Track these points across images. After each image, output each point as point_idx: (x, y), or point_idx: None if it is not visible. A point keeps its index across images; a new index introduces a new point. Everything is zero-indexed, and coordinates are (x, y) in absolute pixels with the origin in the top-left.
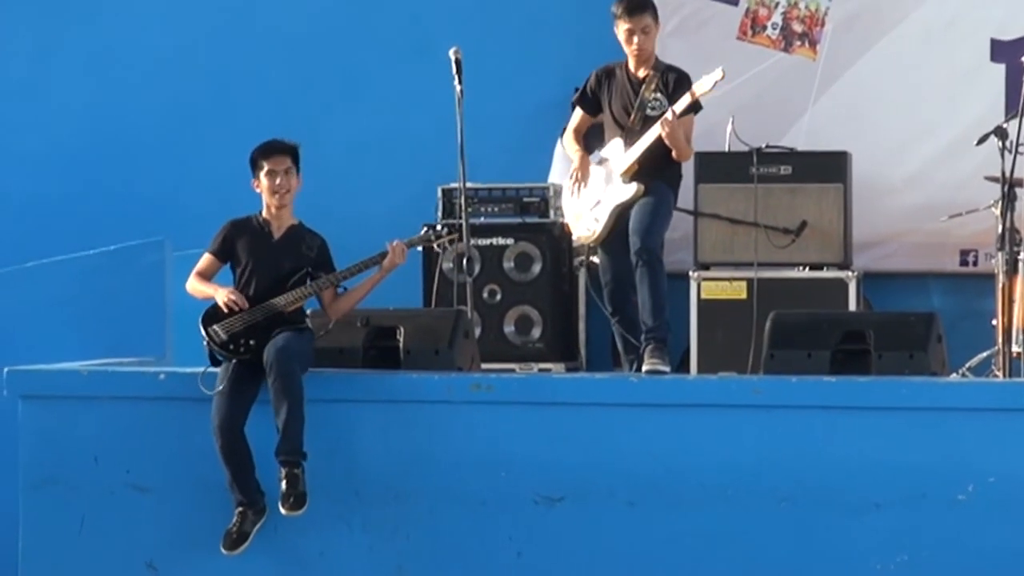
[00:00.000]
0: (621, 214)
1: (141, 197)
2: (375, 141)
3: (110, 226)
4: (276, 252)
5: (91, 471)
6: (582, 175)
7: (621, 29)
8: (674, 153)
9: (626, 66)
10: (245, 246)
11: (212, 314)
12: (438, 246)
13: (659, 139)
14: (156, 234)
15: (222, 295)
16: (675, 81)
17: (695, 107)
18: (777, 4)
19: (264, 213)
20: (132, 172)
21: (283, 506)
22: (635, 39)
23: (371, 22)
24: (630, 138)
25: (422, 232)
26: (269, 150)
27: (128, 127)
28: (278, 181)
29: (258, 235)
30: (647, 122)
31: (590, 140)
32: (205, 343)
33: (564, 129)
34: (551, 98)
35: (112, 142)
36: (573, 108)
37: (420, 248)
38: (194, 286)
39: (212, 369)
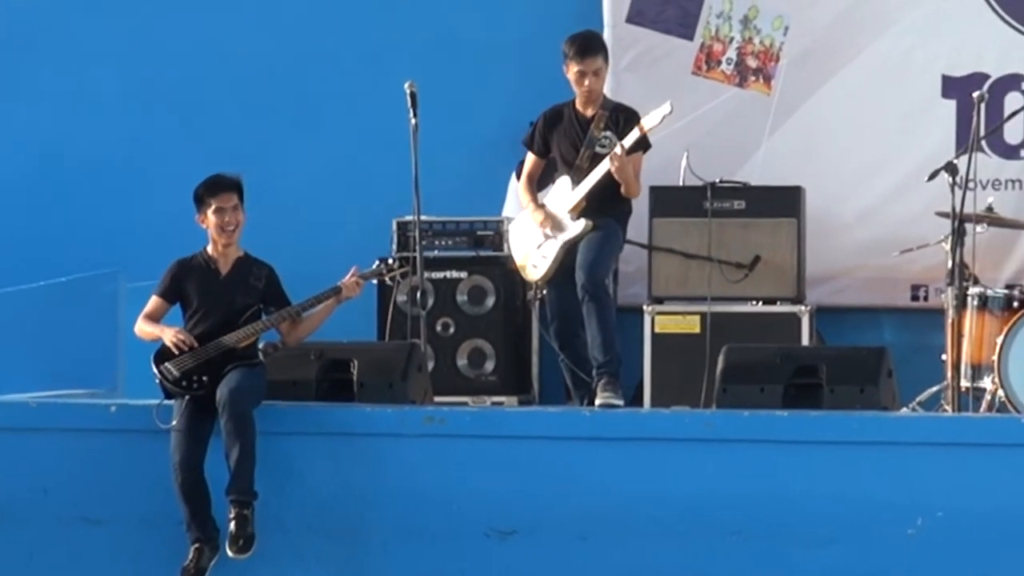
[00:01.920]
0: (569, 251)
1: (95, 229)
2: (331, 173)
3: (63, 258)
4: (225, 288)
5: (40, 503)
6: (543, 223)
7: (572, 70)
8: (623, 189)
9: (574, 105)
10: (194, 285)
11: (163, 352)
12: (390, 279)
13: (607, 176)
14: (110, 266)
15: (169, 335)
16: (625, 120)
17: (644, 145)
18: (732, 39)
19: (210, 249)
20: (86, 204)
21: (231, 548)
22: (586, 81)
23: (327, 55)
24: (578, 176)
25: (375, 266)
26: (216, 188)
27: (82, 159)
28: (227, 219)
29: (205, 273)
30: (595, 160)
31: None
32: (157, 380)
33: (519, 165)
34: (505, 132)
35: (66, 174)
36: (527, 148)
37: (374, 281)
38: (142, 328)
39: (166, 403)
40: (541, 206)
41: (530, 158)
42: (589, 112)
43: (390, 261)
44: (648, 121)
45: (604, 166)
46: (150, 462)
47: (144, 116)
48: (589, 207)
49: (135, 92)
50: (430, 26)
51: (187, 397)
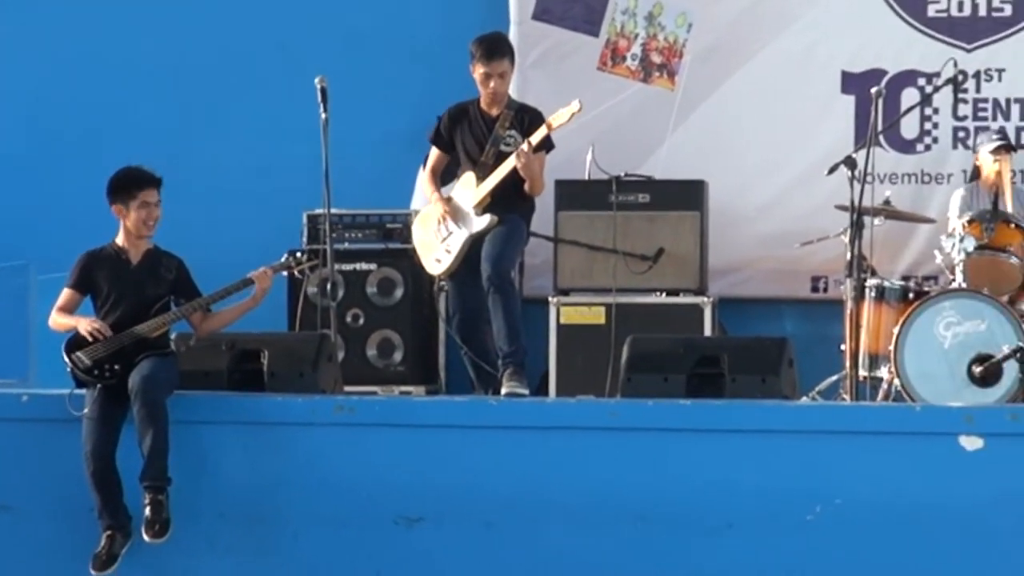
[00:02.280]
0: (473, 245)
1: (4, 223)
2: (242, 167)
3: None
4: (136, 279)
5: None
6: (446, 214)
7: (478, 71)
8: (527, 186)
9: (479, 104)
10: (105, 276)
11: (75, 341)
12: (299, 272)
13: (512, 172)
14: (19, 259)
15: (84, 325)
16: (530, 120)
17: (548, 145)
18: (637, 36)
19: (120, 240)
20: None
21: (147, 533)
22: (491, 83)
23: (238, 51)
24: (483, 172)
25: (284, 259)
26: (144, 182)
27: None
28: (153, 213)
29: (116, 263)
30: (500, 157)
31: (443, 174)
32: (69, 369)
33: (426, 159)
34: (414, 127)
35: None
36: (431, 144)
37: (284, 273)
38: (56, 321)
39: (78, 391)
40: (448, 199)
41: (434, 152)
42: (494, 111)
43: (299, 254)
44: (558, 119)
45: (509, 163)
46: (62, 451)
47: (53, 110)
48: (494, 203)
49: (44, 86)
50: (340, 22)
51: (99, 386)
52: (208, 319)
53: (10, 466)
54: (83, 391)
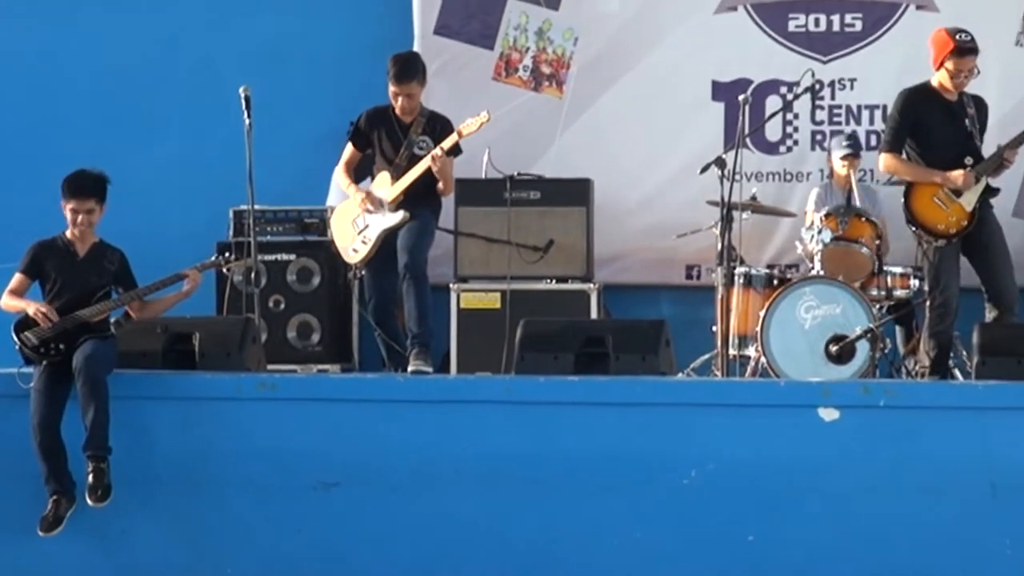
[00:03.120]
0: (387, 237)
1: None
2: (175, 169)
3: None
4: (82, 268)
5: None
6: (369, 203)
7: (391, 89)
8: (440, 186)
9: (395, 109)
10: (53, 265)
11: (24, 322)
12: (227, 270)
13: (425, 173)
14: None
15: (33, 307)
16: (441, 127)
17: (457, 151)
18: (528, 49)
19: (69, 234)
20: None
21: (90, 498)
22: (399, 100)
23: (171, 65)
24: (397, 172)
25: (213, 257)
26: (76, 190)
27: None
28: (79, 219)
29: (64, 254)
30: (413, 160)
31: (358, 173)
32: (17, 347)
33: (341, 159)
34: (328, 131)
35: None
36: (349, 140)
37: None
38: (7, 303)
39: (26, 369)
40: (367, 192)
41: (349, 148)
42: (408, 119)
43: (227, 254)
44: (468, 128)
45: (422, 165)
46: (11, 423)
47: (7, 118)
48: (407, 200)
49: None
50: (260, 37)
51: (44, 363)
52: (144, 307)
53: None
54: (30, 368)
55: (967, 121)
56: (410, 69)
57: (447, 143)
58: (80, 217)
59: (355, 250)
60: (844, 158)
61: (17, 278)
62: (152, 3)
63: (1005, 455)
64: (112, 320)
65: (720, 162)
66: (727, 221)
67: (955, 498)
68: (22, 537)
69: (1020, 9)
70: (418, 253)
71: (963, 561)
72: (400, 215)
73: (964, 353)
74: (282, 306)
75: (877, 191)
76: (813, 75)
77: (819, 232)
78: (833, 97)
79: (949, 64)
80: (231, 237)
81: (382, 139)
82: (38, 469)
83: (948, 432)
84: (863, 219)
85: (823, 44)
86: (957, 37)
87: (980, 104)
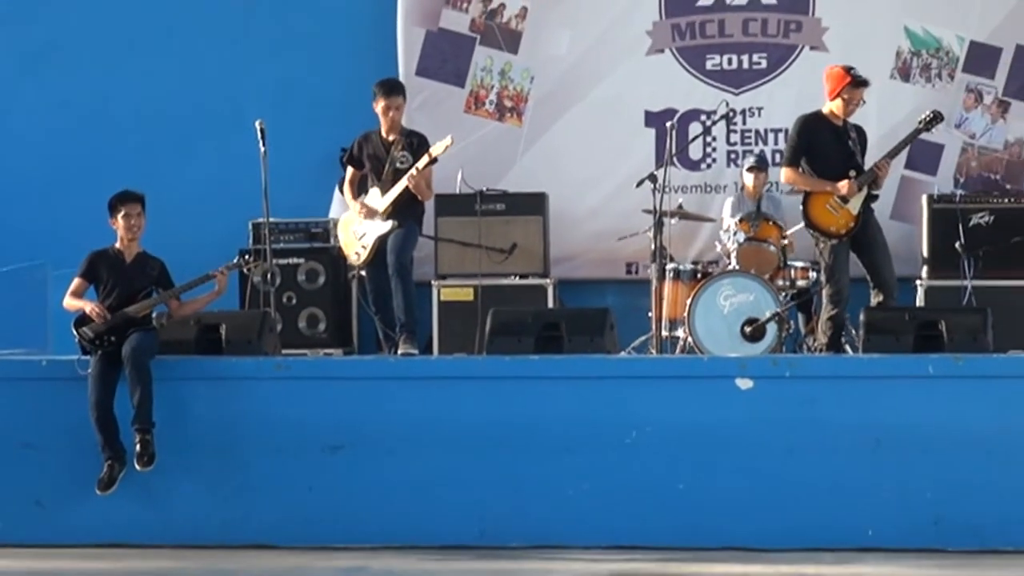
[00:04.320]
0: (380, 242)
1: (28, 231)
2: (203, 188)
3: (7, 253)
4: (129, 273)
5: None
6: (361, 211)
7: (380, 104)
8: (420, 196)
9: (379, 132)
10: (106, 270)
11: (82, 319)
12: (247, 270)
13: (406, 188)
14: (40, 259)
15: (89, 307)
16: (418, 143)
17: (432, 161)
18: (493, 86)
19: (118, 244)
20: (21, 213)
21: (138, 463)
22: (390, 112)
23: (199, 102)
24: (384, 187)
25: (236, 260)
26: (125, 198)
27: (15, 180)
28: (132, 222)
29: (114, 261)
30: (397, 174)
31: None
32: (76, 340)
33: (341, 180)
34: (330, 155)
35: (6, 191)
36: (344, 166)
37: (237, 271)
38: (69, 303)
39: (84, 357)
40: (362, 204)
41: (349, 170)
42: (391, 137)
43: (247, 256)
44: (436, 149)
45: (403, 182)
46: (72, 401)
47: (63, 150)
48: (394, 211)
49: (57, 131)
50: (276, 78)
51: (99, 352)
52: (182, 306)
53: (33, 414)
54: (87, 357)
55: (850, 142)
56: (397, 85)
57: (421, 163)
58: (132, 221)
59: (357, 254)
60: (753, 172)
61: (76, 282)
62: (184, 51)
63: (886, 416)
64: (154, 315)
65: (652, 178)
66: (659, 226)
67: (846, 451)
68: (83, 494)
69: (893, 48)
70: (403, 255)
71: (853, 502)
72: (389, 225)
73: (853, 332)
74: (294, 301)
75: (781, 199)
76: (727, 105)
77: (734, 234)
78: (744, 123)
79: (845, 94)
80: (251, 244)
81: (371, 158)
82: (95, 440)
83: (841, 397)
84: (770, 223)
85: (735, 79)
86: (852, 72)
87: (860, 131)
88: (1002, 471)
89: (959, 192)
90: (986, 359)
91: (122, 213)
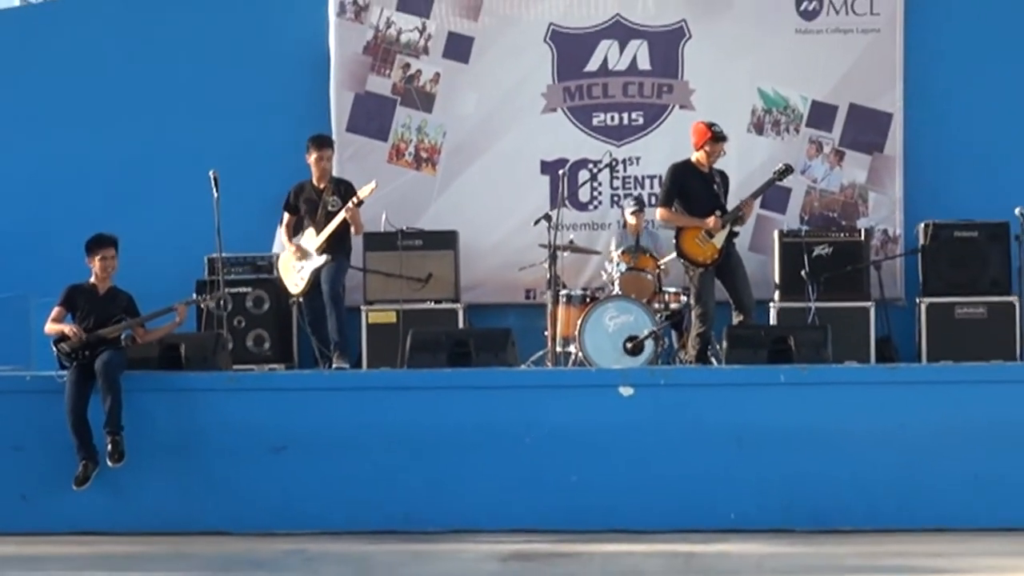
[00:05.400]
0: (316, 274)
1: (12, 265)
2: (166, 229)
3: None
4: (101, 303)
5: None
6: (296, 253)
7: (312, 155)
8: (353, 229)
9: (311, 180)
10: (82, 300)
11: (61, 338)
12: (203, 305)
13: (337, 226)
14: (23, 289)
15: (67, 329)
16: (345, 188)
17: (360, 203)
18: (411, 140)
19: (92, 280)
20: (10, 247)
21: (110, 460)
22: (321, 163)
23: (162, 155)
24: (318, 227)
25: (193, 297)
26: (102, 243)
27: (6, 219)
28: (107, 263)
29: (89, 294)
30: (328, 216)
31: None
32: (56, 355)
33: (281, 220)
34: (273, 200)
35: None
36: (284, 210)
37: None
38: (50, 327)
39: (62, 371)
40: (298, 246)
41: (286, 216)
42: (322, 185)
43: (204, 295)
44: (363, 192)
45: (336, 221)
46: (53, 411)
47: (44, 193)
48: (327, 247)
49: (40, 178)
50: (228, 136)
51: (75, 365)
52: (146, 334)
53: (21, 422)
54: (65, 371)
55: (715, 186)
56: (326, 139)
57: (350, 206)
58: (107, 263)
59: (296, 285)
60: (633, 213)
61: (56, 310)
62: (151, 114)
63: (746, 417)
64: (123, 337)
65: (547, 217)
66: (553, 258)
67: (712, 448)
68: (62, 490)
69: (749, 107)
70: (336, 285)
71: (718, 490)
72: (323, 259)
73: (718, 346)
74: (243, 324)
75: (657, 234)
76: (610, 155)
77: (617, 264)
78: (625, 170)
79: (707, 147)
80: (206, 276)
81: (305, 203)
82: (72, 443)
83: (707, 402)
84: (647, 254)
85: (617, 133)
86: (713, 128)
87: (724, 175)
88: (840, 464)
89: (804, 228)
90: (827, 369)
91: (99, 256)
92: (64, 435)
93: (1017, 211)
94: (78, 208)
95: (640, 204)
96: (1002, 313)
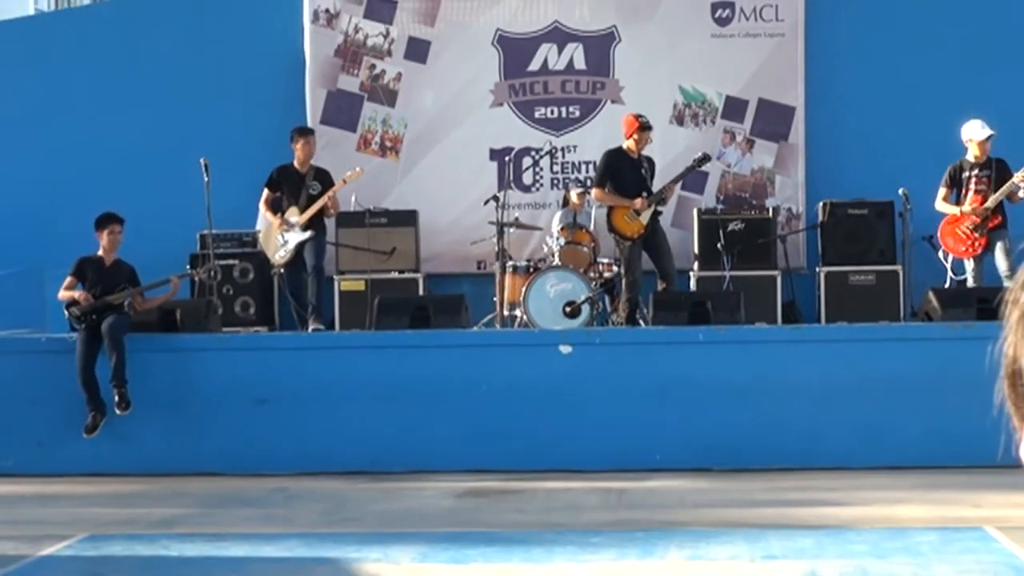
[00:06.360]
0: (298, 247)
1: (31, 239)
2: (164, 209)
3: (11, 252)
4: (108, 272)
5: (5, 392)
6: (283, 229)
7: (298, 143)
8: (332, 208)
9: (293, 165)
10: (90, 270)
11: (72, 304)
12: (194, 278)
13: (320, 207)
14: (40, 261)
15: (78, 295)
16: (324, 175)
17: (344, 184)
18: (377, 131)
19: (100, 252)
20: (27, 224)
21: (118, 409)
22: (308, 147)
23: (161, 144)
24: (301, 208)
25: (187, 270)
26: (111, 219)
27: (22, 200)
28: (115, 237)
29: (97, 265)
30: (311, 199)
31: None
32: (67, 318)
33: (261, 195)
34: (256, 181)
35: (14, 207)
36: (266, 187)
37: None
38: (63, 294)
39: (73, 333)
40: (283, 220)
41: (266, 192)
42: (303, 170)
43: (197, 267)
44: (348, 177)
45: (319, 203)
46: (66, 369)
47: (58, 176)
48: (310, 224)
49: (53, 163)
50: (219, 124)
51: (84, 327)
52: (145, 303)
53: (38, 379)
54: (75, 333)
55: (643, 170)
56: (310, 130)
57: (337, 187)
58: (114, 236)
59: (280, 256)
60: (579, 194)
61: (68, 279)
62: (151, 106)
63: (670, 371)
64: (126, 304)
65: (495, 198)
66: (501, 234)
67: (641, 397)
68: (74, 437)
69: (671, 102)
70: (319, 259)
71: (646, 434)
72: (307, 234)
73: (645, 310)
74: (230, 292)
75: (592, 213)
76: (551, 144)
77: (557, 239)
78: (563, 157)
79: (636, 135)
80: (198, 250)
81: (289, 184)
82: (82, 397)
83: (636, 358)
84: (583, 230)
85: (556, 125)
86: (641, 119)
87: (651, 161)
88: (753, 411)
89: (719, 207)
90: (740, 329)
91: (108, 231)
92: (75, 390)
93: (901, 191)
94: (86, 191)
95: (585, 187)
96: (889, 280)
